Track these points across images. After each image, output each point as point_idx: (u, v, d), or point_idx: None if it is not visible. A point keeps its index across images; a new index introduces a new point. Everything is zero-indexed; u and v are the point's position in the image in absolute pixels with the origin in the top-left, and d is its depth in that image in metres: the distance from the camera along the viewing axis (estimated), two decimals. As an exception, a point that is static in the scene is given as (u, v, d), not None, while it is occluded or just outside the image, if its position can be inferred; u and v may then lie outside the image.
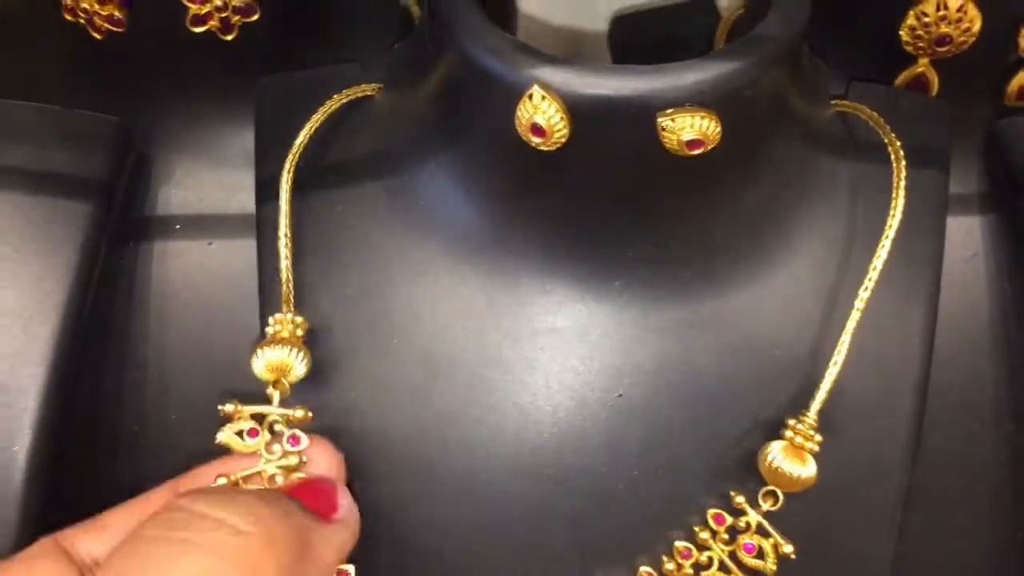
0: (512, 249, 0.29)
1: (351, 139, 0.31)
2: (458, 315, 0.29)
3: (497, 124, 0.27)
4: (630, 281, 0.29)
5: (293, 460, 0.27)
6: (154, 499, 0.26)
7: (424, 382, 0.29)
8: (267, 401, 0.27)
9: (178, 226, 0.35)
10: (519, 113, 0.26)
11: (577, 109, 0.25)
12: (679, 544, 0.29)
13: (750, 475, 0.29)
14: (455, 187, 0.29)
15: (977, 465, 0.36)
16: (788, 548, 0.28)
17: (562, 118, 0.25)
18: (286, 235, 0.29)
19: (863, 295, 0.29)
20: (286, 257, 0.29)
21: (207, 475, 0.27)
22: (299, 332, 0.28)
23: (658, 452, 0.29)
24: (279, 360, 0.27)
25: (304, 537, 0.24)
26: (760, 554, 0.28)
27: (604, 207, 0.28)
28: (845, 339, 0.28)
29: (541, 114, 0.25)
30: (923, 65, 0.34)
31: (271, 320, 0.28)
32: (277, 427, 0.27)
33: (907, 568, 0.37)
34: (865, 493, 0.30)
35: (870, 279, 0.29)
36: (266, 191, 0.31)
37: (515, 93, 0.26)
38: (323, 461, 0.27)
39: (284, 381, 0.27)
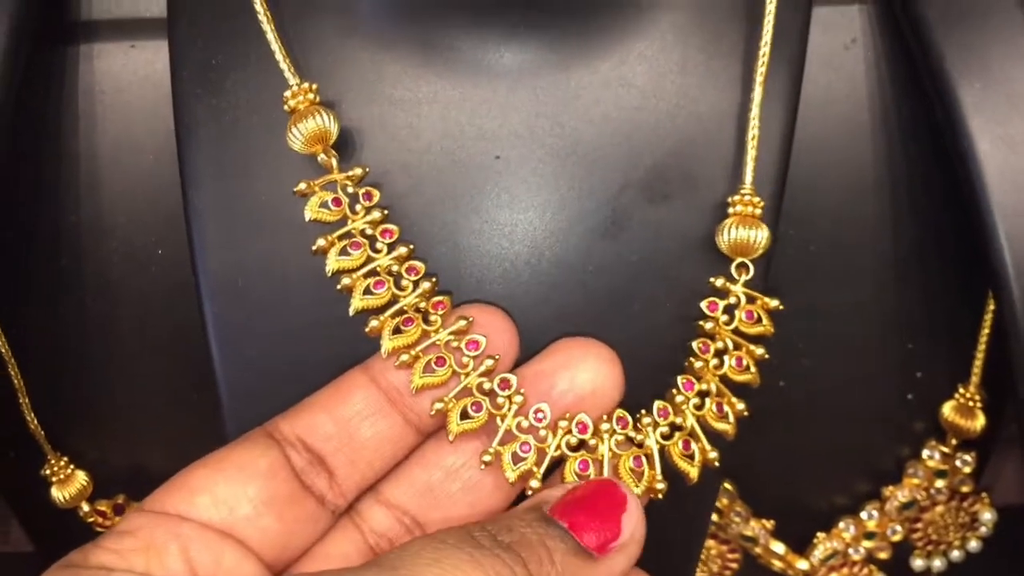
0: (396, 22, 0.31)
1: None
2: (349, 87, 0.32)
3: None
4: (506, 52, 0.32)
5: (376, 215, 0.29)
6: (349, 383, 0.28)
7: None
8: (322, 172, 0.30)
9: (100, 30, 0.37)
10: None
11: None
12: (695, 344, 0.30)
13: (648, 244, 0.31)
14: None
15: (860, 231, 0.38)
16: (774, 302, 0.30)
17: None
18: (266, 13, 0.30)
19: (761, 71, 0.31)
20: (274, 36, 0.30)
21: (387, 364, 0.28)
22: (317, 98, 0.30)
23: (549, 214, 0.31)
24: (317, 129, 0.29)
25: None
26: (758, 319, 0.30)
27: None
28: (755, 112, 0.30)
29: None
30: None
31: (287, 95, 0.29)
32: (350, 189, 0.29)
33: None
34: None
35: (764, 54, 0.31)
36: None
37: None
38: (494, 330, 0.28)
39: (329, 148, 0.29)
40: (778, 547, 0.41)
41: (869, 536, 0.41)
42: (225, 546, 0.25)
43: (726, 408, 0.30)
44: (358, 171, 0.30)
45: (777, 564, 0.42)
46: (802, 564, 0.42)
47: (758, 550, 0.42)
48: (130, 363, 0.39)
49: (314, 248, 0.29)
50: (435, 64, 0.32)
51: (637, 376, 0.31)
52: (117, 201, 0.37)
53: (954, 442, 0.40)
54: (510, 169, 0.31)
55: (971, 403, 0.39)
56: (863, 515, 0.41)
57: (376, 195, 0.30)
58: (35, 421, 0.38)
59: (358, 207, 0.30)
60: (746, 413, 0.30)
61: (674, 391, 0.30)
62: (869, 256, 0.38)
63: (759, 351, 0.30)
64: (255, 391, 0.31)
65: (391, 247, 0.30)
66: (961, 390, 0.39)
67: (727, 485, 0.41)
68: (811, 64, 0.33)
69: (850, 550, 0.42)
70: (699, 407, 0.30)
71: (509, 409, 0.28)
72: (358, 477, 0.28)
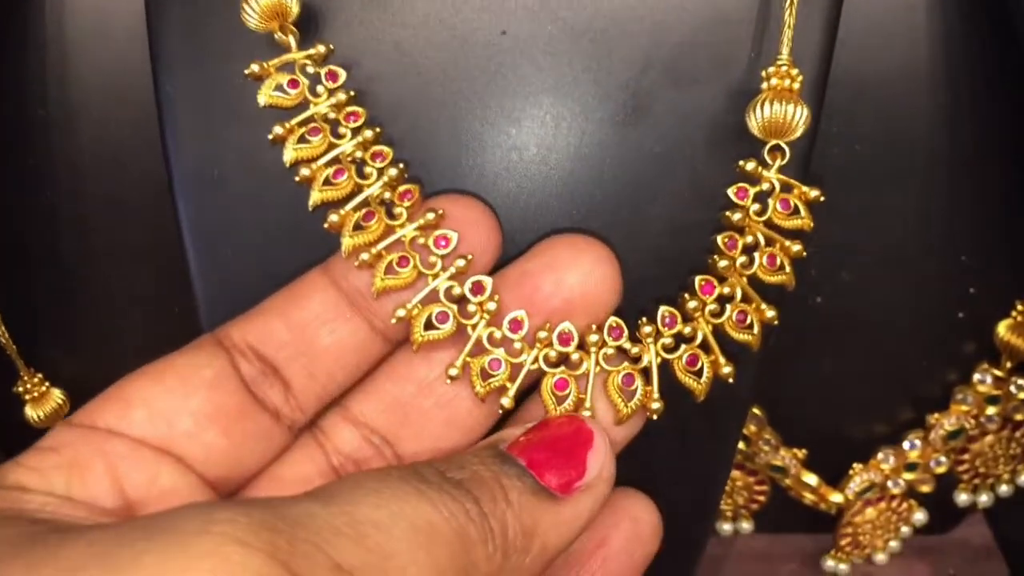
0: None
1: None
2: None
3: None
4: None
5: (341, 97, 0.26)
6: (307, 285, 0.25)
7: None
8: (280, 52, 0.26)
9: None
10: None
11: None
12: (720, 239, 0.26)
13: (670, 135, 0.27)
14: None
15: (909, 131, 0.34)
16: (814, 192, 0.26)
17: None
18: None
19: None
20: None
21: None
22: None
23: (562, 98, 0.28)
24: (272, 3, 0.25)
25: (523, 529, 0.21)
26: (795, 210, 0.26)
27: None
28: None
29: None
30: None
31: None
32: (311, 70, 0.26)
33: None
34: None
35: None
36: None
37: None
38: (469, 224, 0.25)
39: (288, 25, 0.26)
40: (810, 478, 0.38)
41: (910, 467, 0.38)
42: (162, 464, 0.23)
43: (750, 316, 0.26)
44: (320, 49, 0.26)
45: (809, 497, 0.39)
46: (836, 497, 0.39)
47: (788, 481, 0.39)
48: (106, 270, 0.36)
49: (271, 136, 0.26)
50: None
51: (658, 280, 0.28)
52: (88, 93, 0.34)
53: (1009, 365, 0.36)
54: (518, 47, 0.28)
55: (1030, 321, 0.35)
56: (904, 445, 0.38)
57: (342, 75, 0.26)
58: (6, 335, 0.35)
59: (320, 89, 0.26)
60: (776, 322, 0.26)
61: (686, 296, 0.26)
62: (921, 157, 0.34)
63: (795, 248, 0.26)
64: (234, 293, 0.28)
65: (355, 132, 0.26)
66: (1019, 307, 0.35)
67: (756, 410, 0.38)
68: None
69: (889, 482, 0.39)
70: (717, 314, 0.26)
71: (481, 318, 0.25)
72: (318, 389, 0.25)
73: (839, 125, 0.34)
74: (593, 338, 0.25)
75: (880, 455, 0.38)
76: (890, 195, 0.35)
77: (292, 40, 0.26)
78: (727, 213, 0.27)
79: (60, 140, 0.35)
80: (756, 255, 0.26)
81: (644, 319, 0.26)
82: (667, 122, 0.28)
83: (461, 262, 0.25)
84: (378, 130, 0.26)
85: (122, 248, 0.36)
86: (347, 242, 0.25)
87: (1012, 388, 0.36)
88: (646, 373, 0.26)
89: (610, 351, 0.26)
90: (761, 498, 0.40)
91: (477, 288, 0.25)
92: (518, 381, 0.25)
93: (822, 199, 0.26)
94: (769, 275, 0.26)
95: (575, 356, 0.25)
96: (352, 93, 0.26)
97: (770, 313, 0.26)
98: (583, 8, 0.28)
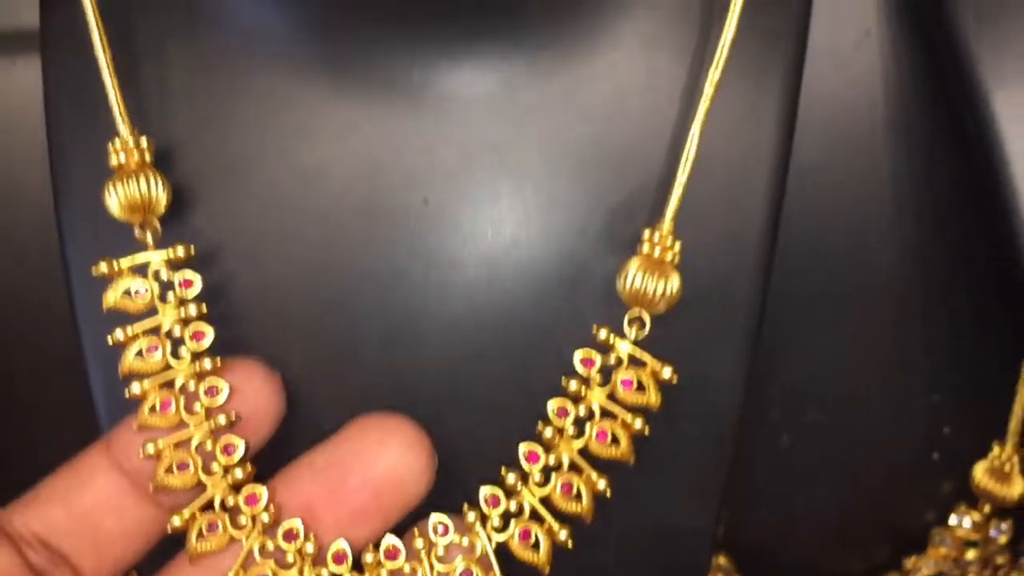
0: (305, 37, 0.26)
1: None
2: (243, 118, 0.26)
3: None
4: (442, 72, 0.26)
5: (191, 311, 0.24)
6: (86, 463, 0.25)
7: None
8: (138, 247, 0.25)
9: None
10: None
11: None
12: (553, 404, 0.25)
13: (603, 305, 0.26)
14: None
15: (877, 265, 0.32)
16: (667, 372, 0.25)
17: None
18: (102, 43, 0.25)
19: (713, 77, 0.25)
20: (109, 71, 0.25)
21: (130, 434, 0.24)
22: (148, 158, 0.25)
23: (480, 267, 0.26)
24: (138, 195, 0.24)
25: None
26: (639, 386, 0.25)
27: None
28: (695, 130, 0.25)
29: None
30: None
31: (111, 148, 0.25)
32: (162, 274, 0.24)
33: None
34: (718, 303, 0.26)
35: (719, 57, 0.25)
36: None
37: None
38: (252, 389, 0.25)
39: (153, 219, 0.25)
40: (783, 625, 0.36)
41: (888, 611, 0.36)
42: None
43: (577, 486, 0.25)
44: (179, 252, 0.24)
45: (782, 643, 0.37)
46: (811, 643, 0.36)
47: (760, 627, 0.36)
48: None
49: (109, 338, 0.24)
50: (353, 88, 0.26)
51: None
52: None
53: (987, 509, 0.34)
54: (443, 215, 0.26)
55: (1006, 466, 0.33)
56: (881, 588, 0.36)
57: (197, 283, 0.25)
58: None
59: (171, 296, 0.25)
60: (608, 494, 0.25)
61: (503, 470, 0.25)
62: (888, 294, 0.33)
63: (638, 424, 0.25)
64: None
65: (196, 357, 0.24)
66: (995, 449, 0.33)
67: (720, 559, 0.35)
68: (813, 62, 0.27)
69: (866, 625, 0.36)
70: (544, 483, 0.25)
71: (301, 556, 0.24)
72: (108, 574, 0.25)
73: (798, 259, 0.32)
74: (418, 543, 0.24)
75: (856, 597, 0.36)
76: (857, 332, 0.33)
77: (150, 238, 0.25)
78: (564, 379, 0.25)
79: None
80: (588, 426, 0.25)
81: (466, 505, 0.25)
82: (603, 292, 0.26)
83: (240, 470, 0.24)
84: (217, 360, 0.25)
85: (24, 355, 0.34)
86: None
87: (992, 532, 0.34)
88: (484, 563, 0.25)
89: (440, 552, 0.25)
90: (733, 641, 0.38)
91: (251, 499, 0.24)
92: None
93: (674, 381, 0.25)
94: (602, 449, 0.25)
95: (407, 569, 0.24)
96: (204, 308, 0.25)
97: (601, 484, 0.25)
98: (513, 170, 0.26)
